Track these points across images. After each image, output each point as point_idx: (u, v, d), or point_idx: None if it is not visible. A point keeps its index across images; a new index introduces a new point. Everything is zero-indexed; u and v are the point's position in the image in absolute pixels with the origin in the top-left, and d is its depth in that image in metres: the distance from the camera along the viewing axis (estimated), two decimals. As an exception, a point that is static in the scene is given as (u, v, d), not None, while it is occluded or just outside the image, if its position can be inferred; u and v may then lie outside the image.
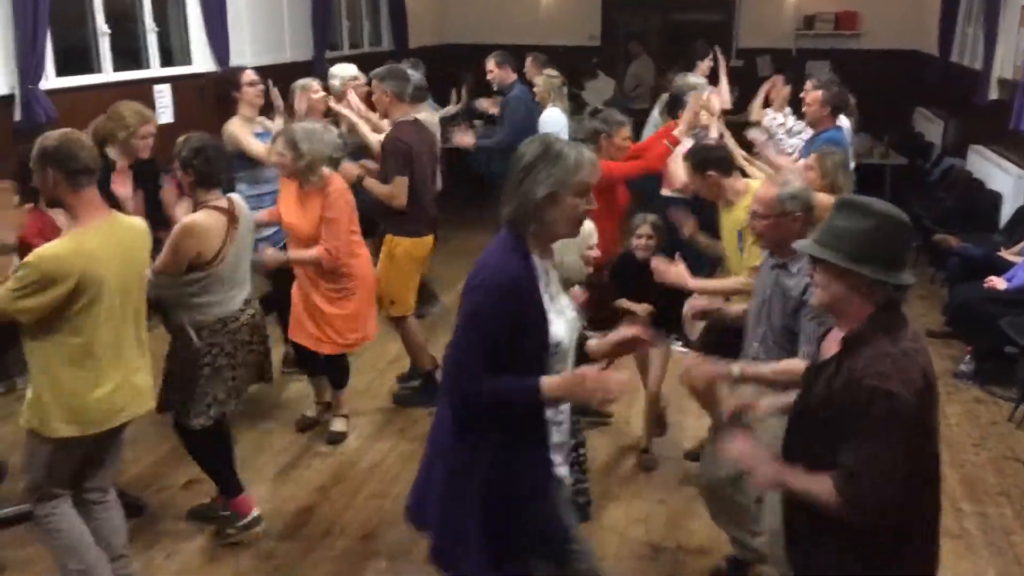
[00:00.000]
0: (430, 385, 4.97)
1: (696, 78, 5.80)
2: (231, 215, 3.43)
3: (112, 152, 4.08)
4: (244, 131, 4.94)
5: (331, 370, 4.60)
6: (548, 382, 2.27)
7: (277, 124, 4.97)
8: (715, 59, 6.87)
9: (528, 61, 7.13)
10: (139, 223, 3.09)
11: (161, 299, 3.41)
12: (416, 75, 5.87)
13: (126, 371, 2.98)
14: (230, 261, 3.43)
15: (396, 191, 4.62)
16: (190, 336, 3.41)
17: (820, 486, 2.06)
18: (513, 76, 6.66)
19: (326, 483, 4.19)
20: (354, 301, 4.31)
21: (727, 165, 3.93)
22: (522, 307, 2.25)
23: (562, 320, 2.36)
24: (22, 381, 3.06)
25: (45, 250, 2.74)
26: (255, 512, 3.70)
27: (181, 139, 3.49)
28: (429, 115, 5.99)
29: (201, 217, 3.37)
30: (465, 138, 6.46)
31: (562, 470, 2.50)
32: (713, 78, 6.57)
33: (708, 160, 3.88)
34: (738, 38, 10.93)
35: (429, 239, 4.92)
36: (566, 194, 2.26)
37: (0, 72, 5.19)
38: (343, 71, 5.68)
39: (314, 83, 5.48)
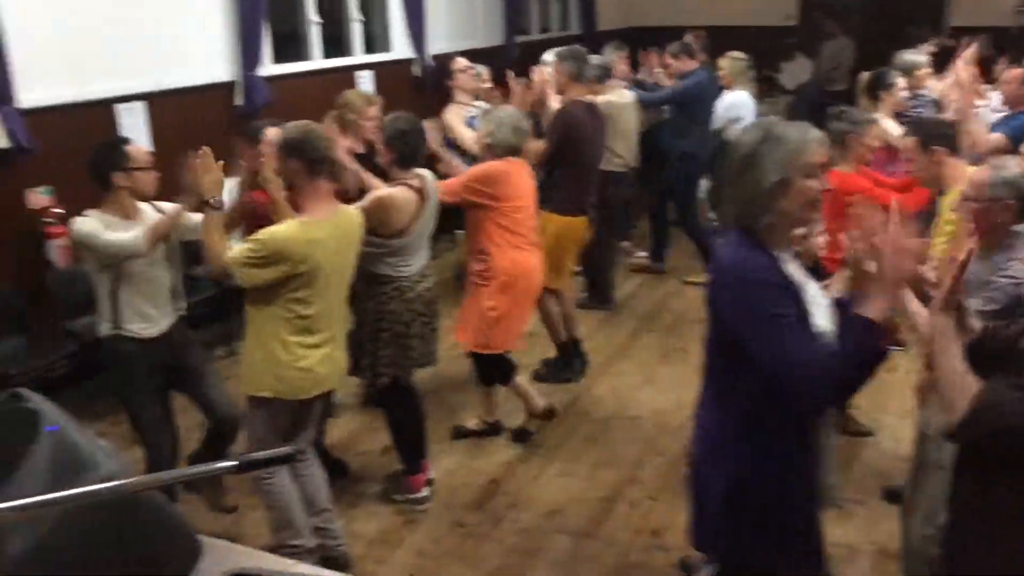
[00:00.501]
0: (570, 355, 5.06)
1: (915, 56, 5.43)
2: (422, 193, 3.63)
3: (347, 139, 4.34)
4: (456, 119, 5.15)
5: (477, 366, 4.34)
6: (864, 308, 1.98)
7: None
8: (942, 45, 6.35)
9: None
10: (356, 213, 3.29)
11: None
12: (599, 57, 5.88)
13: (331, 346, 3.19)
14: (415, 234, 3.65)
15: (534, 149, 4.65)
16: (368, 292, 3.59)
17: (965, 382, 1.86)
18: (693, 64, 6.53)
19: (513, 459, 4.29)
20: (483, 296, 4.08)
21: (954, 143, 3.68)
22: (779, 299, 2.06)
23: (819, 309, 2.17)
24: (242, 347, 3.35)
25: (276, 231, 2.96)
26: (424, 492, 3.89)
27: (390, 117, 3.72)
28: (618, 97, 5.98)
29: (397, 192, 3.58)
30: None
31: (831, 479, 2.43)
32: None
33: (936, 135, 3.65)
34: (951, 15, 10.16)
35: (579, 221, 4.93)
36: (797, 177, 2.08)
37: (224, 60, 5.62)
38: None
39: (482, 70, 5.74)
